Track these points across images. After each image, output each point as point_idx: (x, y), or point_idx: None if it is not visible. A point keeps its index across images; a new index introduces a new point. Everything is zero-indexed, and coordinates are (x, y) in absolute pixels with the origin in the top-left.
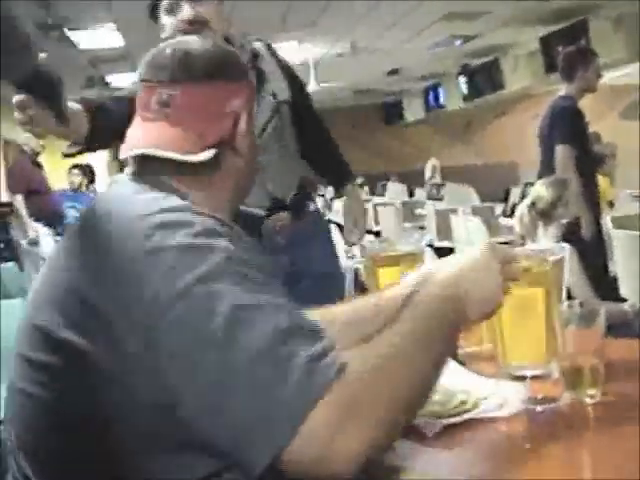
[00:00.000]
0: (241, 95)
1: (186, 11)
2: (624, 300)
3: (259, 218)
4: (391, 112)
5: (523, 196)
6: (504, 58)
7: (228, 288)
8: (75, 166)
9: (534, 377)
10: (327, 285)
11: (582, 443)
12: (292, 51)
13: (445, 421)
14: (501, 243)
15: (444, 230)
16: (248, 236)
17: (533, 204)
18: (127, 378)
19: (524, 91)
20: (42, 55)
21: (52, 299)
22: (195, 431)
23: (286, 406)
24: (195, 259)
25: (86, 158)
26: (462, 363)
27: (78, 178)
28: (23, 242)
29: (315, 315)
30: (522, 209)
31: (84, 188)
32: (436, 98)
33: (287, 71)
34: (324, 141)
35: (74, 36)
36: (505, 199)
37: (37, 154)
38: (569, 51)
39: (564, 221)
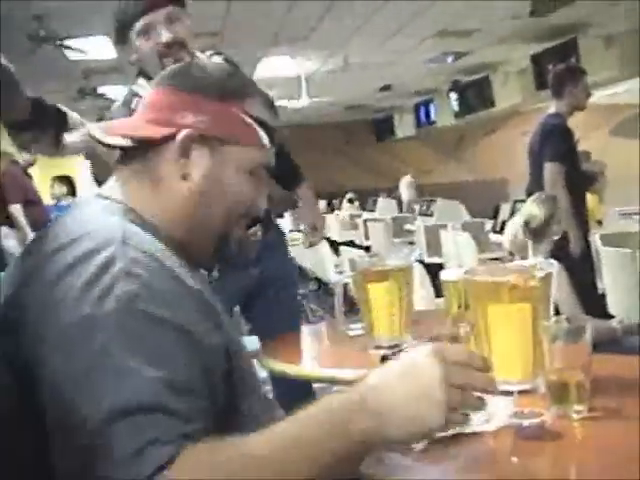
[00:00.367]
0: (200, 114)
1: (164, 34)
2: (612, 317)
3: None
4: (382, 128)
5: (512, 212)
6: (494, 75)
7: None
8: (57, 178)
9: (521, 392)
10: (290, 290)
11: (568, 458)
12: (284, 66)
13: None
14: (491, 259)
15: (434, 246)
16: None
17: (526, 223)
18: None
19: (513, 108)
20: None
21: None
22: None
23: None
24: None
25: (71, 169)
26: None
27: (60, 189)
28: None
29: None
30: (515, 228)
31: (64, 200)
32: (427, 114)
33: None
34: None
35: (67, 48)
36: (494, 215)
37: (30, 165)
38: (559, 69)
39: (555, 237)
